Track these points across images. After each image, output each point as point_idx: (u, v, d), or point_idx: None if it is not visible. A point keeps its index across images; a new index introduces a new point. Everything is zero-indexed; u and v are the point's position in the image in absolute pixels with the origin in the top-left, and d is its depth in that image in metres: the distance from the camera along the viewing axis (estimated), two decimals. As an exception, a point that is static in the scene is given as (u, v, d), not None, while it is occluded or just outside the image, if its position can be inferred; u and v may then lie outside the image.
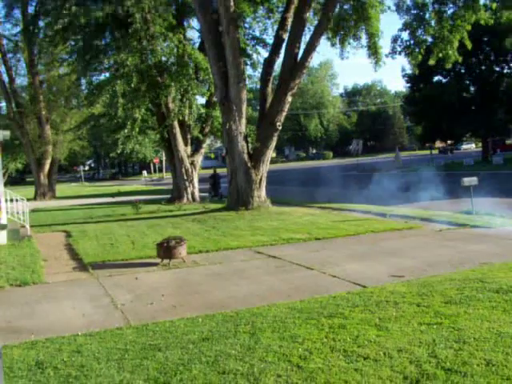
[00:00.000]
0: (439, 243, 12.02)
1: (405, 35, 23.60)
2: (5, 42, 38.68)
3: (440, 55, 21.27)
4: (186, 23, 27.90)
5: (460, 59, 21.96)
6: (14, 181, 75.93)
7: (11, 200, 16.99)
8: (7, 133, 16.59)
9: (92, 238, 14.99)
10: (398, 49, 23.57)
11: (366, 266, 9.94)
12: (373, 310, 6.84)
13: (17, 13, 38.29)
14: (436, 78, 53.43)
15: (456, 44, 20.84)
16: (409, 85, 58.69)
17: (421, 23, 21.67)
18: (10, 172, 61.96)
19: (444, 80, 52.89)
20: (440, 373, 4.81)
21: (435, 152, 76.45)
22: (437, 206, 19.16)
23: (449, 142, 77.70)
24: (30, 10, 36.17)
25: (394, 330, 6.03)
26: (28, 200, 18.40)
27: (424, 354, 5.26)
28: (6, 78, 38.28)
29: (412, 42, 22.58)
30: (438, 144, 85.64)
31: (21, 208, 16.90)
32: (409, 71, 53.14)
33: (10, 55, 39.57)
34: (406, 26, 22.35)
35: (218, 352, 5.63)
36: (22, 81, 43.56)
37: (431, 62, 22.02)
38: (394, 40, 23.63)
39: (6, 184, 19.38)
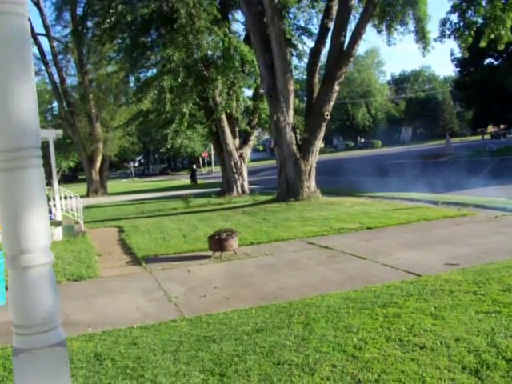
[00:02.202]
0: (495, 230, 11.72)
1: (454, 18, 23.00)
2: (56, 44, 39.58)
3: (492, 36, 20.57)
4: (230, 16, 27.99)
5: (514, 39, 21.25)
6: (66, 178, 77.64)
7: (65, 197, 17.42)
8: (60, 132, 16.99)
9: (144, 233, 15.20)
10: (447, 32, 22.97)
11: (419, 255, 9.78)
12: (428, 299, 6.72)
13: (66, 15, 39.25)
14: (487, 61, 52.16)
15: (509, 23, 20.06)
16: (458, 69, 57.55)
17: (471, 4, 21.04)
18: (63, 170, 63.50)
19: (496, 62, 51.58)
20: (501, 363, 4.68)
21: (487, 137, 74.68)
22: (490, 192, 18.69)
23: (502, 126, 75.83)
24: (79, 11, 36.92)
25: (450, 318, 5.91)
26: (81, 197, 18.78)
27: (483, 344, 5.13)
28: (57, 78, 39.18)
29: (462, 24, 21.96)
30: (491, 129, 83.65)
31: (74, 205, 17.30)
32: (458, 55, 52.07)
33: (60, 56, 40.54)
34: (455, 8, 21.77)
35: (273, 343, 5.63)
36: (72, 80, 44.63)
37: (482, 44, 21.33)
38: (443, 23, 23.06)
39: (59, 182, 19.88)
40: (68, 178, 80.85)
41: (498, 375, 4.44)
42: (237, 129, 28.16)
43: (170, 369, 5.18)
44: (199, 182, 46.90)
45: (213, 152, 65.43)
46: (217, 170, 57.56)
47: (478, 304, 6.34)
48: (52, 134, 16.09)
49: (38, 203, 2.33)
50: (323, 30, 21.70)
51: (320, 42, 21.95)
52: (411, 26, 21.48)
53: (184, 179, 58.99)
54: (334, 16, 21.07)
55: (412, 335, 5.51)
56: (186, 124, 24.84)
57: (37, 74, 44.37)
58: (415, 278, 8.07)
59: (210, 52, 25.52)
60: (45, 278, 2.37)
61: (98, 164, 40.58)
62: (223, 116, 25.86)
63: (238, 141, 28.04)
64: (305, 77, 24.57)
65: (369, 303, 6.79)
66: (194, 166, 50.40)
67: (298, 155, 20.46)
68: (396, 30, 22.16)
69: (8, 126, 2.25)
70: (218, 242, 10.95)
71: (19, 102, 2.27)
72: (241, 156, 27.34)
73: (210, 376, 4.93)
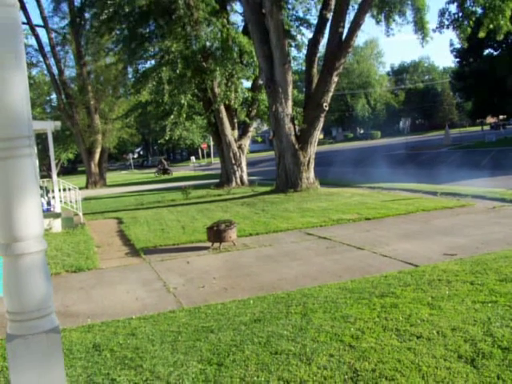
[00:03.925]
0: (493, 220, 11.74)
1: (453, 8, 22.98)
2: (54, 35, 39.45)
3: (491, 26, 20.49)
4: (229, 7, 27.87)
5: (513, 29, 21.16)
6: (66, 170, 77.73)
7: (64, 189, 17.45)
8: (58, 124, 16.97)
9: (143, 224, 15.22)
10: (446, 22, 22.88)
11: (417, 245, 9.81)
12: (425, 289, 6.75)
13: (64, 6, 39.13)
14: (486, 51, 52.06)
15: (508, 13, 19.98)
16: (458, 59, 57.47)
17: (470, -7, 21.00)
18: (62, 162, 63.44)
19: (495, 53, 51.49)
20: (496, 351, 4.71)
21: (486, 128, 74.62)
22: (489, 182, 18.72)
23: (501, 117, 75.77)
24: (77, 2, 36.79)
25: (447, 308, 5.94)
26: (80, 189, 18.81)
27: (479, 333, 5.16)
28: (55, 70, 39.04)
29: (460, 14, 21.88)
30: (489, 119, 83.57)
31: (73, 197, 17.33)
32: (457, 45, 51.96)
33: (58, 48, 40.41)
34: (454, -2, 21.72)
35: (270, 333, 5.65)
36: (70, 72, 44.54)
37: (481, 34, 21.27)
38: (442, 13, 22.97)
39: (58, 174, 19.90)
40: (67, 170, 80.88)
41: (493, 364, 4.47)
42: (235, 120, 28.12)
43: (169, 359, 5.21)
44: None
45: (212, 143, 65.45)
46: (216, 161, 57.52)
47: (475, 294, 6.37)
48: (50, 126, 16.07)
49: (31, 192, 2.36)
50: (322, 20, 21.62)
51: (319, 32, 21.88)
52: (410, 16, 21.48)
53: (183, 170, 59.02)
54: (333, 7, 20.99)
55: (409, 325, 5.54)
56: (184, 115, 24.80)
57: (35, 65, 44.35)
58: (413, 268, 8.10)
59: (208, 43, 25.42)
60: (38, 266, 2.41)
61: (97, 156, 40.57)
62: (222, 107, 25.82)
63: (236, 132, 28.01)
64: (303, 68, 24.54)
65: (366, 293, 6.82)
66: (163, 160, 52.07)
67: (296, 146, 20.46)
68: (394, 20, 22.12)
69: (-1, 116, 2.30)
70: (216, 233, 10.97)
71: (11, 92, 2.30)
72: (240, 147, 27.32)
73: (207, 366, 4.96)
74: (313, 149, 21.01)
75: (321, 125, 21.42)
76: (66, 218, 15.65)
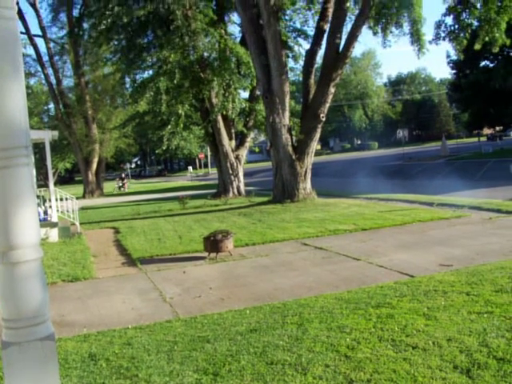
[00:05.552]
0: (489, 231, 11.76)
1: (449, 20, 23.07)
2: (52, 45, 39.58)
3: (486, 39, 20.63)
4: (226, 18, 28.04)
5: (508, 42, 21.27)
6: (63, 180, 77.72)
7: (61, 199, 17.44)
8: (56, 133, 16.99)
9: (140, 234, 15.21)
10: (442, 34, 23.05)
11: (413, 256, 9.82)
12: (421, 300, 6.76)
13: (62, 16, 39.36)
14: (483, 63, 52.32)
15: (504, 26, 20.13)
16: (454, 71, 57.72)
17: (466, 6, 21.09)
18: (60, 171, 63.38)
19: (491, 65, 51.75)
20: (492, 362, 4.71)
21: (483, 139, 74.86)
22: (485, 193, 18.76)
23: (497, 128, 76.05)
24: (75, 12, 36.94)
25: (442, 319, 5.95)
26: (77, 198, 18.80)
27: (474, 344, 5.17)
28: (53, 79, 39.16)
29: (456, 26, 22.02)
30: (486, 131, 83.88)
31: (70, 206, 17.33)
32: (454, 57, 52.20)
33: (56, 58, 40.54)
34: (449, 11, 21.84)
35: (266, 343, 5.65)
36: (68, 82, 44.60)
37: (477, 46, 21.39)
38: (438, 25, 23.14)
39: (55, 183, 19.88)
40: (64, 180, 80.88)
41: (488, 374, 4.47)
42: (233, 130, 28.17)
43: (164, 368, 5.20)
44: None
45: (209, 153, 65.50)
46: (213, 171, 57.56)
47: (471, 304, 6.38)
48: (48, 136, 16.09)
49: (27, 201, 2.39)
50: (319, 31, 21.73)
51: (316, 43, 21.98)
52: (406, 28, 21.58)
53: (181, 180, 59.05)
54: (330, 18, 21.13)
55: (405, 335, 5.54)
56: (181, 125, 24.85)
57: (33, 75, 44.51)
58: (409, 278, 8.11)
59: (206, 53, 25.52)
60: (34, 274, 2.43)
61: (95, 165, 40.58)
62: (219, 117, 25.87)
63: (234, 142, 28.05)
64: (301, 78, 24.63)
65: (362, 304, 6.82)
66: (123, 175, 53.37)
67: (293, 157, 20.50)
68: (391, 32, 22.22)
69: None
70: (213, 243, 10.97)
71: (8, 102, 2.33)
72: (237, 157, 27.35)
73: (203, 375, 4.95)
74: (310, 159, 21.06)
75: (318, 135, 21.48)
76: (62, 227, 15.63)
